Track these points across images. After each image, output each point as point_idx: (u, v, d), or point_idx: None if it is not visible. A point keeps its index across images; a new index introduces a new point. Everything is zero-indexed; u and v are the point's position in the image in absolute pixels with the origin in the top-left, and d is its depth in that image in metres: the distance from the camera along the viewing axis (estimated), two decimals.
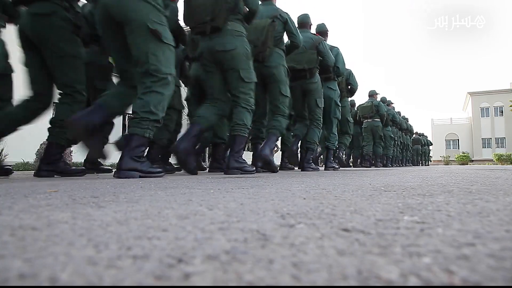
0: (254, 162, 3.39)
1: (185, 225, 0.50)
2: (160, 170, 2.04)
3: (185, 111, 3.77)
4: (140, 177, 1.89)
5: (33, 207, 0.68)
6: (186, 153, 2.53)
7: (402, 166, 10.70)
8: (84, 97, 2.43)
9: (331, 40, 4.14)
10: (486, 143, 32.10)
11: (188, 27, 2.74)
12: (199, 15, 2.55)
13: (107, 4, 1.95)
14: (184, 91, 3.91)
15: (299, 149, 4.28)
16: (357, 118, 8.14)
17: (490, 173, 2.67)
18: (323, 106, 4.10)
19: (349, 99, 6.24)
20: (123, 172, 1.87)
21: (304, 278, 0.28)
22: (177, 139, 2.71)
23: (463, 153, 30.84)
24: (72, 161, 7.02)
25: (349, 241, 0.40)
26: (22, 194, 0.95)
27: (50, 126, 2.39)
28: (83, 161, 3.37)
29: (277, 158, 5.06)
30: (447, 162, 28.19)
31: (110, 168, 3.44)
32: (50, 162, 2.39)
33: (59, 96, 2.40)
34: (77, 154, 4.52)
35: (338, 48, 4.66)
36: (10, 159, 6.20)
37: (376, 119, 8.03)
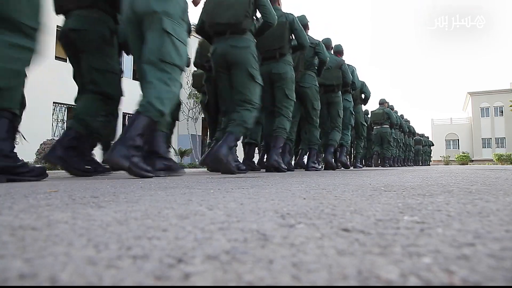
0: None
1: (185, 225, 0.50)
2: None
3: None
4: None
5: (33, 207, 0.68)
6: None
7: (405, 166, 11.20)
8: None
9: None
10: (486, 143, 32.10)
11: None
12: (270, 43, 3.46)
13: (225, 53, 2.82)
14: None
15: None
16: (370, 124, 9.09)
17: (490, 173, 2.67)
18: (342, 116, 5.18)
19: (363, 108, 7.37)
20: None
21: (304, 278, 0.28)
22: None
23: (463, 153, 30.83)
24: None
25: (349, 241, 0.40)
26: (22, 194, 0.95)
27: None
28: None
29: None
30: (447, 162, 28.20)
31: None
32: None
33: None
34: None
35: (354, 67, 5.86)
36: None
37: (385, 125, 8.95)
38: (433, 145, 19.00)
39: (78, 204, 0.74)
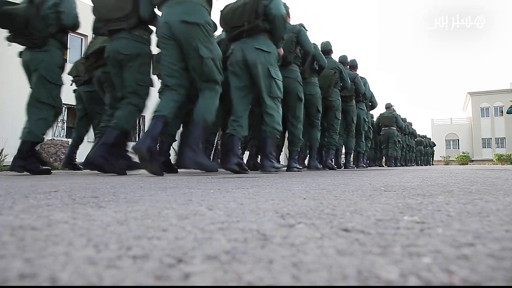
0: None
1: (185, 225, 0.50)
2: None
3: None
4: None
5: (33, 207, 0.68)
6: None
7: (407, 165, 11.51)
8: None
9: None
10: (486, 143, 32.08)
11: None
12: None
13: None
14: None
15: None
16: (378, 125, 9.86)
17: (490, 173, 2.67)
18: (355, 122, 5.97)
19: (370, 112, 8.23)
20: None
21: (304, 278, 0.28)
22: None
23: (463, 153, 30.81)
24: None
25: (349, 241, 0.40)
26: (22, 194, 0.95)
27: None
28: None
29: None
30: (447, 162, 28.17)
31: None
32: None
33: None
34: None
35: (365, 79, 6.59)
36: (10, 159, 6.19)
37: (392, 127, 9.73)
38: (435, 145, 19.20)
39: (78, 204, 0.74)
